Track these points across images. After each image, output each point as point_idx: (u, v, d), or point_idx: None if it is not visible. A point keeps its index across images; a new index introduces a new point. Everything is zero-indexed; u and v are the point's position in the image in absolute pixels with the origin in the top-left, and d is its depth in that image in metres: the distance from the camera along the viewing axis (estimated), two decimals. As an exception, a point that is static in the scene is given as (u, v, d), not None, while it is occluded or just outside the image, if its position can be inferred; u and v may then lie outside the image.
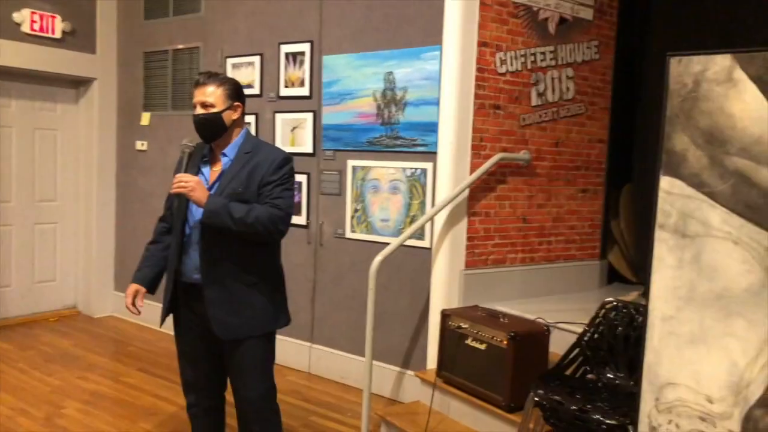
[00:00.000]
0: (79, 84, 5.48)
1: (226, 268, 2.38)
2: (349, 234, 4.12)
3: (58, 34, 5.09)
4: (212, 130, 2.40)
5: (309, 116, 4.26)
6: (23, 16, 4.88)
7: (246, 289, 2.42)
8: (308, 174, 4.29)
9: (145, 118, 5.31)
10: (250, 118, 4.57)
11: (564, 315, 3.39)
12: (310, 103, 4.26)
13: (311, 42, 4.23)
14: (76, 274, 5.61)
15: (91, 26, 5.34)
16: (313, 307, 4.30)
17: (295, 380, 4.15)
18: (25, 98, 5.23)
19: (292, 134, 4.36)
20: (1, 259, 5.10)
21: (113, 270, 5.62)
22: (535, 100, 3.84)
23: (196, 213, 2.36)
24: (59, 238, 5.49)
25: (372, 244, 3.97)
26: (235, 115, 2.44)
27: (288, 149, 4.33)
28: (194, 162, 2.46)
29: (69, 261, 5.57)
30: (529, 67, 3.79)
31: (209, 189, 2.38)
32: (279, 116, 4.43)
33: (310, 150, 4.27)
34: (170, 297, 2.49)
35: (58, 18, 5.08)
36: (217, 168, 2.44)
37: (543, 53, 3.86)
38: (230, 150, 2.44)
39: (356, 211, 4.08)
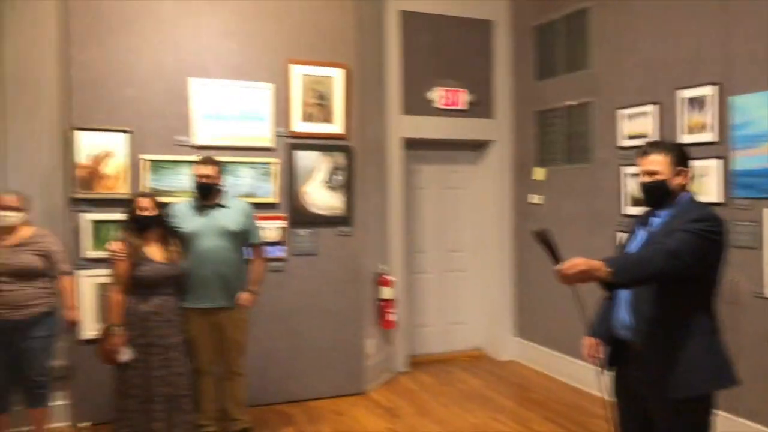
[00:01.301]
0: (479, 146, 6.13)
1: (654, 322, 2.34)
2: (769, 292, 3.65)
3: (463, 106, 5.81)
4: (657, 196, 2.46)
5: (715, 163, 3.96)
6: (436, 95, 5.72)
7: (679, 342, 2.32)
8: (715, 224, 3.96)
9: (539, 173, 5.63)
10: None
11: None
12: (717, 148, 3.96)
13: (716, 84, 3.95)
14: (480, 318, 6.17)
15: (490, 94, 5.95)
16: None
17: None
18: (436, 163, 6.08)
19: (696, 183, 4.10)
20: (422, 301, 5.95)
21: (513, 316, 6.01)
22: None
23: None
24: (466, 284, 6.15)
25: (803, 304, 3.44)
26: (680, 180, 2.45)
27: (691, 198, 4.09)
28: (634, 226, 2.57)
29: (475, 306, 6.17)
30: None
31: (642, 246, 2.43)
32: (679, 164, 4.21)
33: (717, 199, 3.95)
34: (610, 351, 2.55)
35: (464, 92, 5.80)
36: (646, 230, 2.50)
37: None
38: (665, 212, 2.46)
39: (779, 265, 3.59)
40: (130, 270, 3.47)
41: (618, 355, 2.52)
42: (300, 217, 4.73)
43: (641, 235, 2.51)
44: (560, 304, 5.35)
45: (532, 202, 5.72)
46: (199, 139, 4.42)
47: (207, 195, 3.81)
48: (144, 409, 3.41)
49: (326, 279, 4.81)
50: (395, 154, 5.56)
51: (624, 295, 2.42)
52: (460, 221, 6.16)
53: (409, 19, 5.59)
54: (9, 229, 3.57)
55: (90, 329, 4.04)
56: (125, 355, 3.39)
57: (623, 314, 2.43)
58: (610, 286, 2.25)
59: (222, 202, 3.87)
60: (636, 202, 4.59)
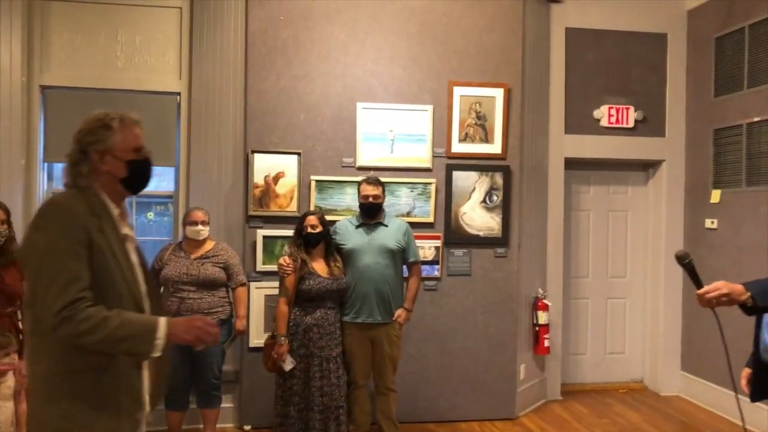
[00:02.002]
0: (648, 166, 5.78)
1: None
2: None
3: (631, 124, 5.52)
4: None
5: None
6: (602, 113, 5.50)
7: None
8: None
9: (716, 195, 5.19)
10: None
11: None
12: None
13: None
14: (643, 349, 5.79)
15: (661, 111, 5.60)
16: None
17: None
18: (601, 183, 5.82)
19: None
20: (579, 328, 5.71)
21: (680, 349, 5.57)
22: None
23: None
24: (628, 312, 5.81)
25: None
26: None
27: None
28: None
29: (637, 335, 5.81)
30: None
31: None
32: None
33: None
34: (757, 379, 2.41)
35: (632, 108, 5.52)
36: None
37: None
38: None
39: None
40: (296, 283, 3.72)
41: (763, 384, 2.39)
42: (456, 237, 4.77)
43: None
44: (731, 337, 4.86)
45: (708, 227, 5.28)
46: (362, 160, 4.64)
47: (372, 214, 3.99)
48: (302, 417, 3.62)
49: (480, 300, 4.79)
50: (556, 173, 5.42)
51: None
52: (623, 245, 5.84)
53: (576, 35, 5.45)
54: (197, 243, 4.00)
55: (257, 338, 4.37)
56: (288, 364, 3.63)
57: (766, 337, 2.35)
58: (751, 310, 2.16)
59: (382, 221, 4.03)
60: (833, 231, 4.06)
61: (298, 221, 3.94)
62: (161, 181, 5.04)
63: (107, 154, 1.95)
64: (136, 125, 2.03)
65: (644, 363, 5.81)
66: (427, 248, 4.69)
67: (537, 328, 5.07)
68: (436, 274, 4.73)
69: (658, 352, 5.63)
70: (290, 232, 4.01)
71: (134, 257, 2.00)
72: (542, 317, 5.04)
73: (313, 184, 4.55)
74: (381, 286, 3.91)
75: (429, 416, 4.70)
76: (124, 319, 1.79)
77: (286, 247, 4.15)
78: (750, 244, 4.80)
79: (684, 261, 2.16)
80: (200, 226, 3.97)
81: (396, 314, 3.96)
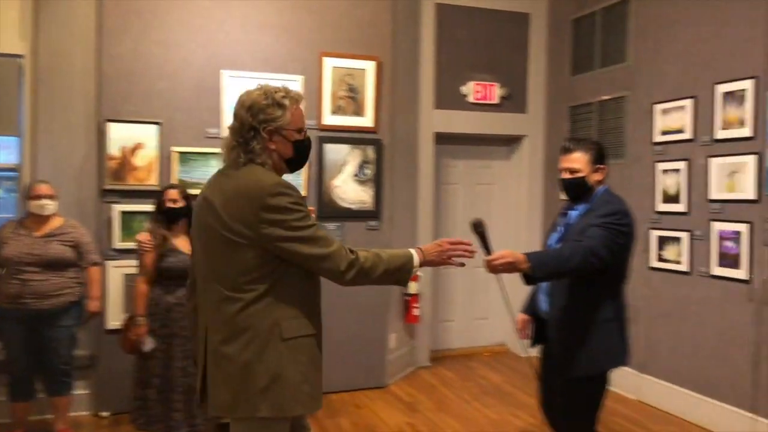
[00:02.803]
0: (511, 141, 6.05)
1: (564, 310, 2.60)
2: (806, 294, 3.51)
3: (496, 100, 5.74)
4: (577, 191, 2.65)
5: (751, 159, 3.83)
6: (469, 89, 5.67)
7: (583, 329, 2.57)
8: (750, 223, 3.83)
9: (571, 169, 5.53)
10: (680, 165, 4.35)
11: None
12: (753, 144, 3.83)
13: (756, 78, 3.81)
14: (505, 313, 6.09)
15: (523, 89, 5.87)
16: (756, 373, 3.77)
17: (735, 456, 3.69)
18: (468, 158, 6.02)
19: (730, 179, 3.97)
20: (447, 297, 5.92)
21: (539, 313, 5.94)
22: None
23: None
24: (493, 280, 6.07)
25: (840, 308, 3.31)
26: (598, 177, 2.65)
27: (725, 196, 3.97)
28: (557, 219, 2.84)
29: (498, 302, 6.09)
30: None
31: (559, 240, 2.68)
32: (714, 161, 4.09)
33: (752, 196, 3.82)
34: (536, 329, 2.84)
35: (497, 85, 5.73)
36: (564, 221, 2.73)
37: None
38: (582, 206, 2.66)
39: (816, 267, 3.45)
40: (156, 261, 3.54)
41: (543, 334, 2.76)
42: (328, 210, 4.75)
43: (561, 228, 2.72)
44: (704, 334, 5.25)
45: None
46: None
47: None
48: (163, 399, 3.47)
49: (352, 272, 4.81)
50: (426, 148, 5.53)
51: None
52: (489, 217, 6.10)
53: (445, 12, 5.55)
54: (40, 219, 3.67)
55: (115, 319, 4.13)
56: (148, 345, 3.46)
57: (541, 298, 2.72)
58: (530, 279, 2.39)
59: None
60: (668, 199, 4.47)
61: (158, 195, 3.73)
62: (1, 152, 4.59)
63: (277, 133, 2.00)
64: (301, 103, 2.06)
65: (506, 327, 6.13)
66: (297, 222, 4.63)
67: (407, 298, 5.20)
68: (307, 247, 4.69)
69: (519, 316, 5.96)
70: (151, 207, 3.79)
71: None
72: (412, 287, 5.17)
73: (174, 155, 4.33)
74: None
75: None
76: (385, 254, 2.08)
77: (145, 223, 3.93)
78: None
79: (478, 228, 2.28)
80: (44, 200, 3.65)
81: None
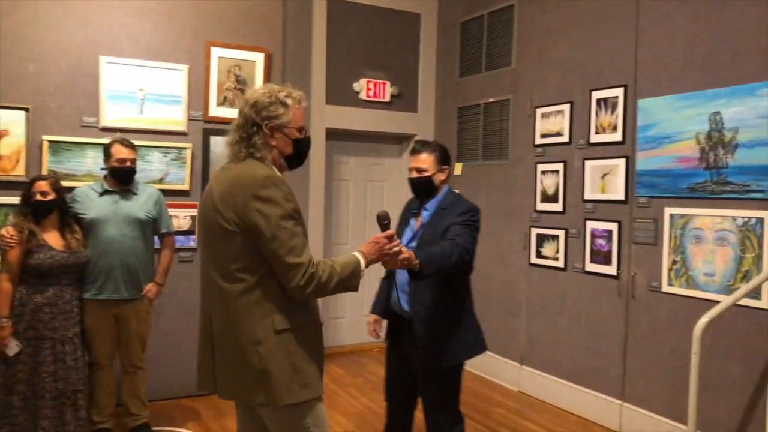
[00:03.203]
0: (402, 140, 6.13)
1: (430, 304, 2.73)
2: (665, 287, 3.81)
3: (387, 98, 5.80)
4: (424, 190, 2.82)
5: (621, 162, 4.10)
6: (361, 86, 5.69)
7: (446, 322, 2.76)
8: (619, 222, 4.11)
9: (458, 168, 5.69)
10: (558, 166, 4.59)
11: None
12: (623, 148, 4.10)
13: (625, 86, 4.09)
14: (396, 310, 6.19)
15: (414, 88, 5.97)
16: (624, 363, 4.06)
17: (604, 439, 3.96)
18: (360, 155, 6.04)
19: (603, 181, 4.24)
20: (337, 294, 5.89)
21: (427, 308, 6.07)
22: None
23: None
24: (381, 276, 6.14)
25: (694, 300, 3.62)
26: (442, 177, 2.83)
27: (597, 196, 4.23)
28: (405, 216, 2.97)
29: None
30: None
31: (413, 237, 2.81)
32: (589, 163, 4.35)
33: (621, 197, 4.09)
34: (388, 325, 2.98)
35: (388, 84, 5.79)
36: (419, 220, 2.86)
37: None
38: (431, 205, 2.84)
39: (674, 263, 3.76)
40: (22, 258, 3.27)
41: (394, 329, 2.91)
42: (214, 205, 4.59)
43: (413, 223, 2.88)
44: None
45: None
46: (107, 120, 4.22)
47: (127, 180, 3.66)
48: (29, 406, 3.21)
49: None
50: (318, 144, 5.49)
51: (400, 278, 2.74)
52: (381, 214, 6.15)
53: (337, 7, 5.53)
54: None
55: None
56: (13, 348, 3.19)
57: (401, 297, 2.78)
58: (416, 275, 2.44)
59: (131, 188, 3.71)
60: (546, 198, 4.70)
61: (25, 187, 3.44)
62: None
63: (279, 131, 2.08)
64: (302, 103, 2.15)
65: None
66: (182, 218, 4.45)
67: (297, 296, 5.13)
68: (192, 245, 4.52)
69: (409, 313, 6.07)
70: (17, 200, 3.49)
71: None
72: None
73: (45, 144, 4.01)
74: (128, 260, 3.61)
75: (185, 391, 4.50)
76: (337, 265, 2.06)
77: (10, 217, 3.62)
78: (483, 211, 5.34)
79: (383, 221, 2.30)
80: None
81: (145, 289, 3.70)
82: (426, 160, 2.81)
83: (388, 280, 2.97)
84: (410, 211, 2.97)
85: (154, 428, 3.86)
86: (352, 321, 6.03)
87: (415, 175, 2.84)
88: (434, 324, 2.74)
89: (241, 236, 1.99)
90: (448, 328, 2.76)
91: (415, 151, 2.85)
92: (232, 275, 2.02)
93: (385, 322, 3.02)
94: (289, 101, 2.09)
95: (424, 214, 2.86)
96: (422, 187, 2.84)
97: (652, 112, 3.90)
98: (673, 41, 3.79)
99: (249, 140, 2.06)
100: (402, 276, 2.69)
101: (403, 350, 2.90)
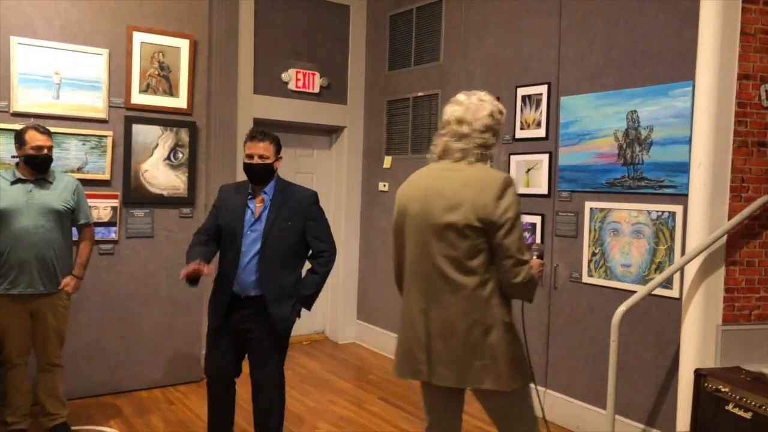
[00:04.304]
0: (332, 132, 6.11)
1: (283, 284, 3.10)
2: (585, 278, 3.98)
3: (316, 89, 5.75)
4: (264, 175, 3.07)
5: (545, 157, 4.25)
6: (290, 76, 5.61)
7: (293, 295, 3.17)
8: (542, 215, 4.26)
9: (387, 161, 5.73)
10: (485, 160, 4.69)
11: None
12: (546, 144, 4.25)
13: (548, 84, 4.23)
14: (325, 302, 6.18)
15: (344, 80, 5.94)
16: (547, 351, 4.22)
17: (527, 425, 4.08)
18: (289, 146, 5.96)
19: (527, 176, 4.38)
20: (265, 286, 5.82)
21: (356, 300, 6.09)
22: (810, 135, 3.38)
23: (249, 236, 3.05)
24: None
25: (611, 290, 3.80)
26: (278, 164, 3.15)
27: (522, 190, 4.36)
28: (238, 198, 3.13)
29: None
30: (802, 98, 3.36)
31: (258, 219, 3.07)
32: (514, 158, 4.47)
33: (545, 191, 4.24)
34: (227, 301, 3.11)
35: (317, 75, 5.74)
36: (260, 203, 3.10)
37: (820, 81, 3.40)
38: (269, 189, 3.12)
39: (594, 254, 3.94)
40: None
41: (230, 304, 3.09)
42: (136, 196, 4.43)
43: (253, 206, 3.10)
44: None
45: (381, 189, 5.81)
46: (19, 104, 3.98)
47: (44, 168, 3.46)
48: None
49: (164, 263, 4.56)
50: (245, 134, 5.36)
51: (253, 262, 3.03)
52: (309, 206, 6.11)
53: (265, -4, 5.42)
54: None
55: None
56: None
57: (249, 279, 3.04)
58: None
59: (47, 177, 3.52)
60: (475, 193, 4.80)
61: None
62: None
63: (498, 137, 2.37)
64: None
65: (325, 315, 6.22)
66: (102, 208, 4.27)
67: (224, 289, 5.03)
68: (113, 236, 4.34)
69: (338, 304, 6.08)
70: None
71: None
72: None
73: (-51, 130, 3.75)
74: (44, 253, 3.42)
75: (105, 389, 4.34)
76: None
77: None
78: (414, 204, 5.42)
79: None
80: None
81: (63, 283, 3.52)
82: (268, 148, 3.07)
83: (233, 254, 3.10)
84: (238, 195, 3.15)
85: (75, 428, 3.70)
86: (279, 314, 5.95)
87: (257, 161, 3.05)
88: (283, 301, 3.09)
89: (481, 233, 2.18)
90: (292, 302, 3.13)
91: (257, 139, 3.07)
92: (469, 269, 2.20)
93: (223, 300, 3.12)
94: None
95: (266, 198, 3.11)
96: (264, 173, 3.08)
97: (573, 110, 4.05)
98: (594, 42, 3.95)
99: (486, 147, 2.29)
100: (247, 259, 3.03)
101: (236, 327, 3.10)
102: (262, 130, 3.14)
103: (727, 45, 3.21)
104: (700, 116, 3.26)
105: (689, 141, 3.38)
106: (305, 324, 6.10)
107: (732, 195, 3.23)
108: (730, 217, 3.20)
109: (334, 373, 5.07)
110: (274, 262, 3.05)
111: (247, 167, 3.07)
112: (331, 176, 6.16)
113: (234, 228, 3.08)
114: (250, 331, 3.11)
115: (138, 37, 4.38)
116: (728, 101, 3.23)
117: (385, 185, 5.77)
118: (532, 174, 4.35)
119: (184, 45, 4.56)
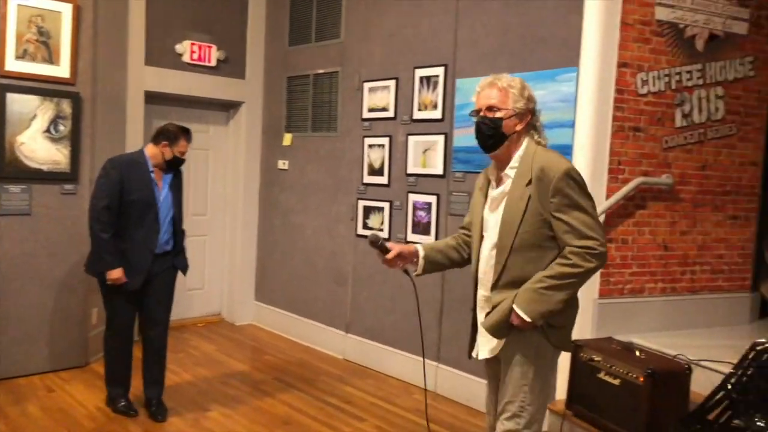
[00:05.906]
0: (229, 107, 5.93)
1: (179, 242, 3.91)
2: (478, 256, 4.10)
3: (213, 63, 5.56)
4: (176, 165, 3.82)
5: (440, 139, 4.32)
6: (184, 48, 5.39)
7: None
8: (437, 195, 4.34)
9: (287, 138, 5.64)
10: (383, 141, 4.72)
11: (708, 352, 3.17)
12: (442, 125, 4.32)
13: (445, 66, 4.29)
14: (221, 283, 6.05)
15: (242, 54, 5.78)
16: (440, 328, 4.33)
17: (420, 399, 4.19)
18: (183, 120, 5.71)
19: (424, 156, 4.44)
20: (159, 267, 5.61)
21: (254, 280, 6.00)
22: (679, 122, 3.64)
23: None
24: (208, 249, 5.95)
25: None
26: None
27: (419, 171, 4.42)
28: (149, 176, 3.70)
29: (216, 271, 6.02)
30: (673, 87, 3.60)
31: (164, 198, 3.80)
32: (412, 138, 4.52)
33: (440, 172, 4.32)
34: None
35: (214, 48, 5.54)
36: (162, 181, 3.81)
37: (689, 72, 3.65)
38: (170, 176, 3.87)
39: (486, 233, 4.05)
40: None
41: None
42: (11, 170, 4.13)
43: (166, 186, 3.77)
44: (299, 269, 5.47)
45: (280, 167, 5.72)
46: None
47: None
48: None
49: (44, 242, 4.28)
50: (136, 107, 5.13)
51: (167, 222, 3.74)
52: (204, 184, 5.93)
53: (157, -39, 5.15)
54: None
55: None
56: None
57: (168, 238, 3.77)
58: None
59: None
60: (373, 171, 4.83)
61: None
62: None
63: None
64: None
65: (222, 296, 6.08)
66: (-29, 183, 3.94)
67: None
68: (-15, 213, 4.03)
69: (235, 285, 5.96)
70: None
71: None
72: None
73: None
74: None
75: (-24, 378, 4.05)
76: None
77: None
78: (312, 182, 5.38)
79: (375, 245, 2.44)
80: None
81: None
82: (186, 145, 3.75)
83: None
84: (150, 172, 3.68)
85: (-63, 420, 3.43)
86: (175, 296, 5.75)
87: (185, 156, 3.80)
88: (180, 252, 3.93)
89: (546, 216, 2.25)
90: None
91: (190, 136, 3.77)
92: (539, 245, 2.27)
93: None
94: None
95: (167, 178, 3.80)
96: (178, 164, 3.83)
97: (468, 92, 4.13)
98: (489, 25, 4.04)
99: (535, 128, 2.42)
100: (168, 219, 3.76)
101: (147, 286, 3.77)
102: (185, 127, 3.75)
103: (608, 35, 3.38)
104: (582, 102, 3.42)
105: (573, 125, 3.54)
106: (200, 306, 5.95)
107: (610, 176, 3.43)
108: (607, 197, 3.39)
109: (230, 355, 4.98)
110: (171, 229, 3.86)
111: (179, 162, 3.78)
112: (228, 153, 6.00)
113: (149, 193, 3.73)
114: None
115: (13, 0, 4.05)
116: (608, 88, 3.41)
117: (284, 163, 5.68)
118: (428, 154, 4.41)
119: (66, 9, 4.26)
